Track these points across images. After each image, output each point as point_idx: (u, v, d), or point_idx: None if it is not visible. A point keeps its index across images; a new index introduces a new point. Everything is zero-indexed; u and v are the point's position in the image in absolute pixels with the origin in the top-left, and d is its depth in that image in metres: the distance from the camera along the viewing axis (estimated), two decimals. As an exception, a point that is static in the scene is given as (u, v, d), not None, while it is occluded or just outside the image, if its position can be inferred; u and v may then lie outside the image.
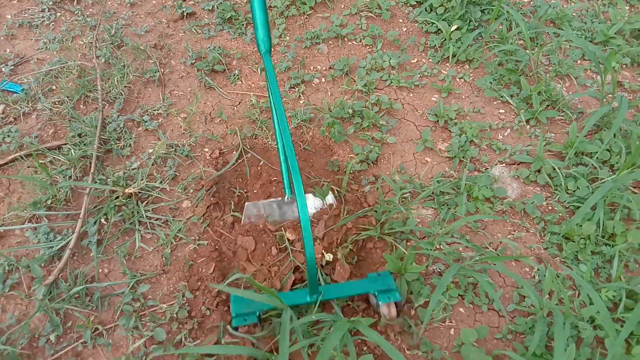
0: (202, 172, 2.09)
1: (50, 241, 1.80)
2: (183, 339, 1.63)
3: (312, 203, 1.95)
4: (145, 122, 2.21)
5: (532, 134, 2.32)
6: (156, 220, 1.91)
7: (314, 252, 1.47)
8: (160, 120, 2.26)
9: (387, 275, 1.68)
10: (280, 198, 1.93)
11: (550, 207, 2.07)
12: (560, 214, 2.03)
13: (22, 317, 1.65)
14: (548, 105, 2.42)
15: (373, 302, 1.69)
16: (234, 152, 2.18)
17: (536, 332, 1.58)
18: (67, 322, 1.66)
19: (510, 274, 1.69)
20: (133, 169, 2.02)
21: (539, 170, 2.16)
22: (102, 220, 1.88)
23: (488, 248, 1.90)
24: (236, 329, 1.57)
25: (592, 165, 2.12)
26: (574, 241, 1.93)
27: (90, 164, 2.00)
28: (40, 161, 1.98)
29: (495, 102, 2.46)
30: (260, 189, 2.11)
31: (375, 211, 1.95)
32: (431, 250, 1.83)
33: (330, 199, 1.95)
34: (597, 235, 1.94)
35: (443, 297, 1.76)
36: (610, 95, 2.35)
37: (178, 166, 2.09)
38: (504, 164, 2.21)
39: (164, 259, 1.83)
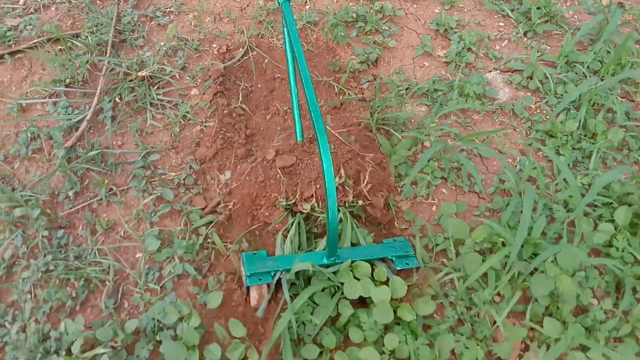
0: (210, 64, 2.21)
1: (69, 114, 1.96)
2: (185, 204, 1.80)
3: None
4: (158, 17, 2.32)
5: (528, 45, 2.41)
6: (166, 102, 2.05)
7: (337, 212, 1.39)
8: (171, 17, 2.38)
9: (404, 242, 1.66)
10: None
11: (538, 110, 2.18)
12: (547, 115, 2.14)
13: (43, 178, 1.82)
14: (547, 20, 2.49)
15: (390, 267, 1.62)
16: (240, 49, 2.29)
17: (510, 205, 1.73)
18: (83, 182, 1.82)
19: (494, 154, 1.82)
20: (145, 57, 2.15)
21: (530, 77, 2.26)
22: (117, 99, 2.02)
23: (475, 140, 2.03)
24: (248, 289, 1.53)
25: (583, 73, 2.21)
26: (556, 137, 2.05)
27: (106, 50, 2.13)
28: (59, 47, 2.11)
29: (495, 16, 2.53)
30: (264, 84, 2.24)
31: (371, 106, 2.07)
32: (421, 136, 1.96)
33: None
34: (580, 133, 2.05)
35: (427, 176, 1.90)
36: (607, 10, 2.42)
37: (187, 57, 2.22)
38: (498, 71, 2.31)
39: (173, 136, 1.98)
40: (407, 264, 1.58)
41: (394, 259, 1.59)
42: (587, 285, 1.68)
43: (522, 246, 1.65)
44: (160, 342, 1.49)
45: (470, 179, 1.93)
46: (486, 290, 1.63)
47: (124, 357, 1.47)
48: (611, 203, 1.82)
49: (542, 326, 1.55)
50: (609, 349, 1.55)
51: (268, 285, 1.52)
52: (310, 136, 1.83)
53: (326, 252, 1.52)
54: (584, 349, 1.59)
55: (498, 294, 1.66)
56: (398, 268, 1.57)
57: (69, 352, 1.46)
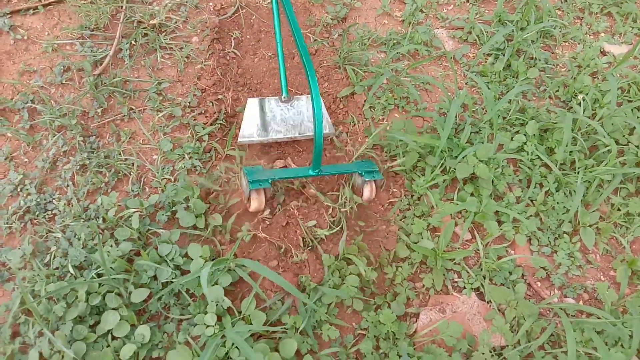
0: (207, 18, 2.68)
1: (94, 52, 2.41)
2: (191, 119, 2.27)
3: (306, 104, 2.25)
4: (163, -20, 2.79)
5: (469, 8, 2.93)
6: (173, 45, 2.52)
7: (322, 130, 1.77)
8: (174, -19, 2.84)
9: (371, 162, 2.06)
10: (277, 97, 2.26)
11: (474, 56, 2.70)
12: (480, 60, 2.66)
13: (76, 99, 2.27)
14: (486, -11, 3.01)
15: (358, 182, 2.05)
16: (232, 7, 2.77)
17: (447, 120, 2.23)
18: (109, 103, 2.28)
19: (437, 84, 2.33)
20: (155, 10, 2.61)
21: (470, 32, 2.78)
22: (132, 42, 2.48)
23: (422, 73, 2.53)
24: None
25: (512, 29, 2.74)
26: (487, 76, 2.57)
27: (123, 4, 2.59)
28: (82, 1, 2.56)
29: (444, -15, 3.05)
30: (252, 35, 2.72)
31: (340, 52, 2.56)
32: (378, 71, 2.46)
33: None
34: (505, 73, 2.58)
35: (382, 103, 2.40)
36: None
37: (189, 12, 2.68)
38: (445, 28, 2.83)
39: (178, 71, 2.44)
40: (374, 176, 1.99)
41: (363, 173, 2.00)
42: (503, 178, 2.19)
43: (452, 150, 2.15)
44: (174, 212, 1.96)
45: (417, 106, 2.44)
46: (422, 179, 2.13)
47: (147, 222, 1.94)
48: (526, 122, 2.34)
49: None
50: (520, 213, 2.05)
51: (265, 193, 1.92)
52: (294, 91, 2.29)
53: (312, 166, 1.90)
54: (499, 222, 2.11)
55: (435, 185, 2.16)
56: (367, 179, 1.98)
57: (104, 220, 1.92)
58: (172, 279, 1.76)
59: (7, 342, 1.64)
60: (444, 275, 1.96)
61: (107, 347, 1.61)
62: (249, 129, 2.14)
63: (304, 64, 1.78)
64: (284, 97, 2.23)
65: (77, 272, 1.76)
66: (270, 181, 1.89)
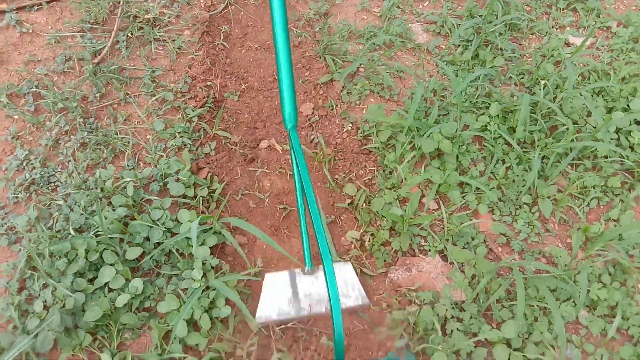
0: (199, 13, 2.90)
1: (93, 44, 2.62)
2: (182, 103, 2.47)
3: (340, 275, 1.90)
4: (158, -21, 3.01)
5: (444, 5, 3.14)
6: (166, 38, 2.73)
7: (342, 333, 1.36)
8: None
9: (410, 355, 1.73)
10: (299, 269, 1.96)
11: (446, 48, 2.91)
12: (451, 50, 2.87)
13: (77, 85, 2.48)
14: (459, -13, 3.24)
15: None
16: (222, 4, 2.99)
17: (414, 100, 2.43)
18: (107, 88, 2.49)
19: (409, 71, 2.53)
20: (149, 5, 2.83)
21: (442, 25, 2.99)
22: (129, 34, 2.69)
23: (395, 61, 2.75)
24: None
25: (480, 21, 2.96)
26: (457, 65, 2.78)
27: (120, 1, 2.81)
28: (83, -3, 2.78)
29: (420, -16, 3.28)
30: (240, 30, 2.94)
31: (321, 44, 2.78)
32: (356, 60, 2.67)
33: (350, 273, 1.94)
34: (474, 62, 2.79)
35: (359, 89, 2.61)
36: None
37: (181, 8, 2.90)
38: (419, 22, 3.05)
39: (171, 61, 2.66)
40: None
41: None
42: (467, 155, 2.39)
43: (421, 129, 2.36)
44: (166, 183, 2.16)
45: (391, 91, 2.64)
46: (393, 155, 2.33)
47: (141, 192, 2.13)
48: (490, 105, 2.54)
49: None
50: (483, 184, 2.24)
51: None
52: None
53: None
54: (463, 194, 2.30)
55: (405, 160, 2.36)
56: None
57: (102, 189, 2.12)
58: (163, 240, 1.95)
59: (15, 294, 1.83)
60: (410, 239, 2.15)
61: (104, 297, 1.80)
62: (268, 309, 1.83)
63: (315, 231, 1.46)
64: (308, 270, 1.93)
65: (77, 234, 1.95)
66: None
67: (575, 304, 2.01)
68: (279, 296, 1.87)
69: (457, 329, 1.89)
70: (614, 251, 2.10)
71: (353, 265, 2.03)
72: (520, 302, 1.82)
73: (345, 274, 1.93)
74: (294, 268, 1.96)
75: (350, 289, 1.90)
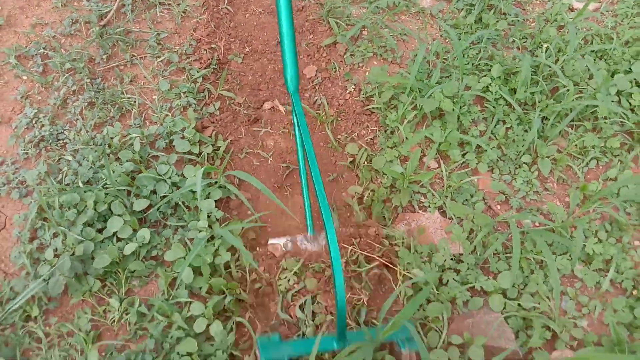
0: (203, -22, 2.92)
1: (99, 7, 2.66)
2: (187, 65, 2.51)
3: None
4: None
5: (447, -30, 3.14)
6: (171, 1, 2.76)
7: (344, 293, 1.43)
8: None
9: (405, 328, 1.68)
10: (302, 235, 2.00)
11: (449, 11, 2.92)
12: (454, 14, 2.88)
13: (84, 47, 2.52)
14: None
15: (396, 349, 1.70)
16: (227, -31, 3.01)
17: (416, 60, 2.46)
18: (113, 50, 2.53)
19: (413, 34, 2.55)
20: (154, -31, 2.85)
21: (446, -10, 3.00)
22: (134, -2, 2.73)
23: (399, 25, 2.76)
24: None
25: (484, -13, 2.96)
26: (460, 28, 2.79)
27: (124, -35, 2.83)
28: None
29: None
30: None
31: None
32: (359, 22, 2.69)
33: None
34: (477, 26, 2.80)
35: (362, 51, 2.63)
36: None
37: (186, -28, 2.92)
38: (423, -13, 3.05)
39: (176, 24, 2.69)
40: (410, 347, 1.65)
41: (399, 341, 1.66)
42: (468, 115, 2.42)
43: (423, 90, 2.38)
44: (171, 141, 2.21)
45: (394, 54, 2.67)
46: (394, 114, 2.37)
47: (148, 149, 2.19)
48: (492, 67, 2.56)
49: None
50: (483, 142, 2.28)
51: None
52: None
53: (336, 337, 1.58)
54: (463, 154, 2.33)
55: (407, 120, 2.39)
56: (403, 350, 1.64)
57: (110, 146, 2.17)
58: (170, 193, 2.01)
59: (27, 243, 1.90)
60: (410, 196, 2.20)
61: (113, 245, 1.87)
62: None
63: (319, 198, 1.47)
64: (310, 236, 1.99)
65: (85, 187, 2.01)
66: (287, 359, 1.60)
67: (571, 258, 2.06)
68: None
69: (454, 279, 1.94)
70: (611, 207, 2.14)
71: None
72: (516, 251, 1.87)
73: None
74: (297, 234, 2.01)
75: None
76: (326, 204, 1.43)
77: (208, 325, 1.75)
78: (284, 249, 1.94)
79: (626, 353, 1.77)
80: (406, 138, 2.31)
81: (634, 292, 2.01)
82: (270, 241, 1.99)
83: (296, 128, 1.69)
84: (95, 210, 1.91)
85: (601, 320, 1.96)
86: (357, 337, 1.61)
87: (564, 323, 1.90)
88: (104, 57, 2.47)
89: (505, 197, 2.26)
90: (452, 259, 2.00)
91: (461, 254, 2.04)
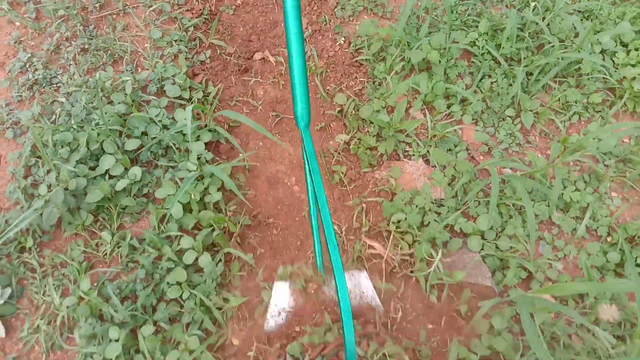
0: None
1: (92, -44, 2.66)
2: (179, 14, 2.53)
3: (350, 281, 1.74)
4: None
5: None
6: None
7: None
8: None
9: None
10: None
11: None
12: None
13: (76, -5, 2.54)
14: None
15: None
16: None
17: (404, 11, 2.49)
18: (106, -1, 2.55)
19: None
20: None
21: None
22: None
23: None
24: None
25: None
26: (449, -15, 2.82)
27: None
28: None
29: None
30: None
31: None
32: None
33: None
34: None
35: (353, 4, 2.66)
36: None
37: None
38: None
39: (169, -25, 2.70)
40: None
41: None
42: (455, 69, 2.47)
43: (411, 43, 2.42)
44: (162, 86, 2.25)
45: (384, 9, 2.70)
46: (383, 66, 2.41)
47: (140, 93, 2.23)
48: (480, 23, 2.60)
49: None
50: (469, 94, 2.33)
51: None
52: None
53: None
54: (448, 105, 2.39)
55: (395, 72, 2.44)
56: None
57: (102, 89, 2.21)
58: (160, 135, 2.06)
59: (21, 179, 1.95)
60: (395, 145, 2.26)
61: (105, 182, 1.92)
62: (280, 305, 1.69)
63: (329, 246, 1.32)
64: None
65: (78, 126, 2.06)
66: None
67: (549, 205, 2.13)
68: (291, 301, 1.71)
69: (435, 220, 2.01)
70: (590, 158, 2.21)
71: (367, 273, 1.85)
72: (494, 193, 1.94)
73: (361, 283, 1.76)
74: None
75: (366, 299, 1.74)
76: (337, 252, 1.28)
77: (197, 258, 1.82)
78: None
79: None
80: (394, 89, 2.36)
81: (609, 239, 2.10)
82: (276, 284, 1.74)
83: (306, 167, 1.50)
84: (87, 148, 1.96)
85: (575, 263, 2.05)
86: None
87: (540, 264, 1.98)
88: (97, 5, 2.50)
89: (488, 148, 2.33)
90: (433, 203, 2.07)
91: (442, 199, 2.11)
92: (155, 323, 1.70)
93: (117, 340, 1.64)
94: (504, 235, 2.03)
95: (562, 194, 2.14)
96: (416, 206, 2.03)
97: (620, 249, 2.02)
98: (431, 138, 2.28)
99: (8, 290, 1.77)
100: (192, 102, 2.22)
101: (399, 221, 2.00)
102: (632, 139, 2.34)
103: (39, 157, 1.99)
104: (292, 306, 1.66)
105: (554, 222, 2.12)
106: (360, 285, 1.74)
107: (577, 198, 2.12)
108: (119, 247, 1.87)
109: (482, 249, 1.99)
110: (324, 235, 1.32)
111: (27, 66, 2.26)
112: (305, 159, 1.49)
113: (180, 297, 1.75)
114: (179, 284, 1.75)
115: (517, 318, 1.78)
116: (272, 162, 2.20)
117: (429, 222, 2.02)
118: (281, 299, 1.68)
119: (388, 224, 1.99)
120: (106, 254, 1.87)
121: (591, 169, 2.24)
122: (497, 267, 1.97)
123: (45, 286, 1.80)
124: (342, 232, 2.02)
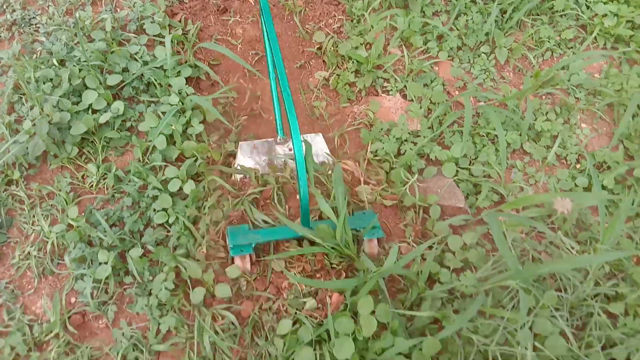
0: None
1: None
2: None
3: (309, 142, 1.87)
4: None
5: None
6: None
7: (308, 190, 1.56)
8: None
9: (372, 214, 1.80)
10: (272, 138, 2.04)
11: None
12: None
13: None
14: None
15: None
16: None
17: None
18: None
19: None
20: None
21: None
22: None
23: None
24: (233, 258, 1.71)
25: None
26: None
27: None
28: None
29: None
30: None
31: None
32: None
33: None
34: None
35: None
36: None
37: None
38: None
39: None
40: (374, 234, 1.75)
41: (362, 230, 1.75)
42: (432, 7, 2.51)
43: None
44: (142, 25, 2.26)
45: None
46: (360, 2, 2.44)
47: (120, 32, 2.24)
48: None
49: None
50: (446, 29, 2.38)
51: (250, 257, 1.73)
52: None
53: (300, 222, 1.67)
54: (425, 42, 2.43)
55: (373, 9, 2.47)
56: (365, 238, 1.75)
57: (82, 29, 2.22)
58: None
59: (5, 115, 1.98)
60: (374, 80, 2.31)
61: (88, 116, 1.96)
62: (245, 163, 1.96)
63: (286, 106, 1.56)
64: (280, 139, 2.02)
65: (60, 65, 2.08)
66: (253, 246, 1.70)
67: (521, 135, 2.22)
68: (255, 158, 1.96)
69: (411, 149, 2.09)
70: (561, 90, 2.29)
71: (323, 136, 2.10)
72: (467, 121, 2.01)
73: (316, 145, 2.01)
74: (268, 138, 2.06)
75: (321, 158, 2.01)
76: (294, 114, 1.50)
77: (181, 188, 1.88)
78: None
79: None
80: (372, 26, 2.41)
81: (578, 166, 2.19)
82: (242, 144, 2.01)
83: (264, 29, 1.68)
84: (70, 84, 1.99)
85: (546, 188, 2.14)
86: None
87: (511, 189, 2.08)
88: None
89: (464, 83, 2.39)
90: (409, 134, 2.14)
91: (419, 130, 2.19)
92: (143, 246, 1.77)
93: (106, 263, 1.71)
94: (477, 163, 2.11)
95: (534, 124, 2.22)
96: (393, 136, 2.10)
97: (588, 174, 2.11)
98: (408, 73, 2.34)
99: (-3, 221, 1.82)
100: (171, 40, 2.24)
101: (376, 150, 2.07)
102: (602, 72, 2.42)
103: (23, 94, 2.01)
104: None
105: (525, 151, 2.21)
106: (316, 145, 2.00)
107: (547, 127, 2.21)
108: (104, 179, 1.92)
109: (456, 175, 2.08)
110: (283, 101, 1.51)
111: (5, 7, 2.26)
112: (262, 19, 1.65)
113: (167, 222, 1.81)
114: (164, 210, 1.82)
115: (487, 237, 1.89)
116: (253, 98, 2.25)
117: (405, 150, 2.09)
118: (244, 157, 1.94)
119: (366, 153, 2.06)
120: (92, 185, 1.92)
121: (562, 101, 2.31)
122: (470, 192, 2.06)
123: (34, 216, 1.86)
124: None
